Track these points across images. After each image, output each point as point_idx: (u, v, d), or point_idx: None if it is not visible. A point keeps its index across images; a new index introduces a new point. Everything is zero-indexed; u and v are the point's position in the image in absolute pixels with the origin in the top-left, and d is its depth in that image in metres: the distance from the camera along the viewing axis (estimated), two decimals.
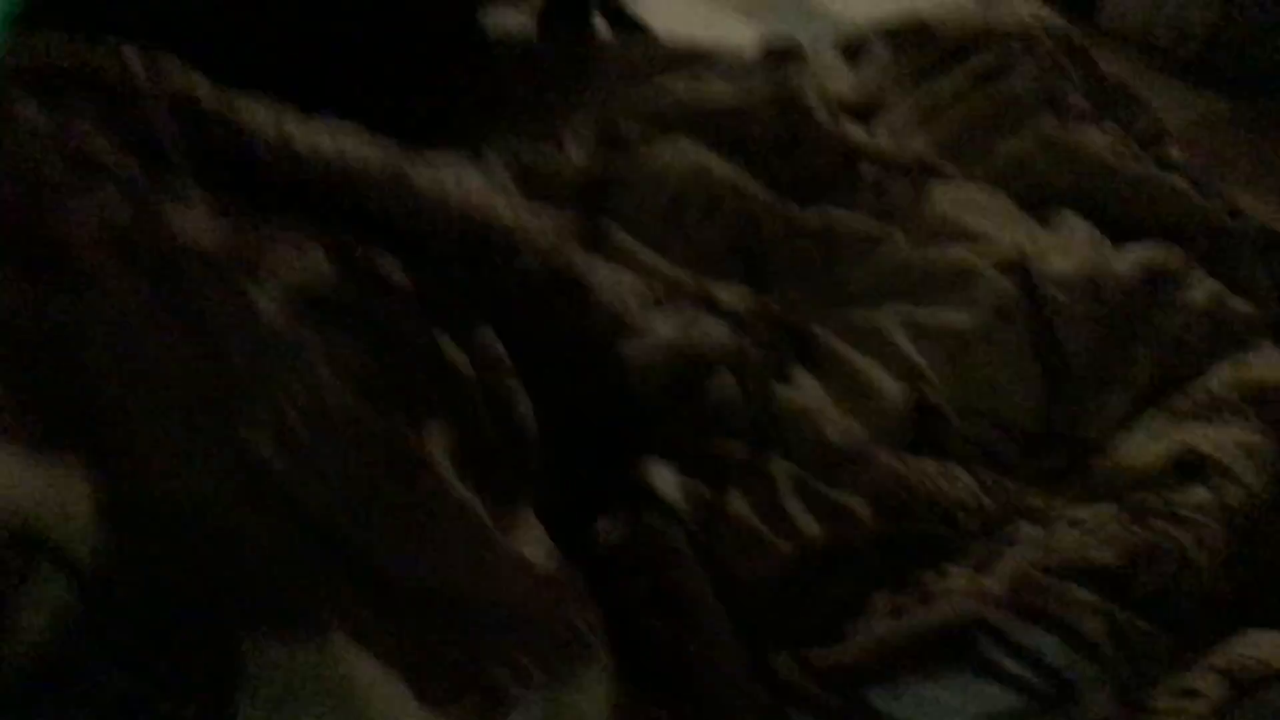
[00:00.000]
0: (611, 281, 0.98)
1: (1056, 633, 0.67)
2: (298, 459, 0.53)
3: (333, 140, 0.98)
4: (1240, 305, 1.16)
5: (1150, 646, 0.73)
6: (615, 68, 1.69)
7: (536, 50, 1.82)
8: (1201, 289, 1.15)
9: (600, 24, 2.07)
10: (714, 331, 0.97)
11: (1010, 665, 0.66)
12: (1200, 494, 0.87)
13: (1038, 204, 1.23)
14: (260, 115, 0.97)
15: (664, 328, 0.96)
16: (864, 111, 1.44)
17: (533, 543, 0.66)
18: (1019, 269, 1.05)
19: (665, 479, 0.84)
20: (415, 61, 1.69)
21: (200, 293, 0.60)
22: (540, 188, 1.22)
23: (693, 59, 1.55)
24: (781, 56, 1.41)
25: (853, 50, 1.58)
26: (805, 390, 0.96)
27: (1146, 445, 0.97)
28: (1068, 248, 1.11)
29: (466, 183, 1.03)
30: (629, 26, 2.33)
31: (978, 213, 1.12)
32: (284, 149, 0.94)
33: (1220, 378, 1.05)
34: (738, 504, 0.81)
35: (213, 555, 0.48)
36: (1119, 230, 1.21)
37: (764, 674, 0.67)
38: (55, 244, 0.58)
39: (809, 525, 0.80)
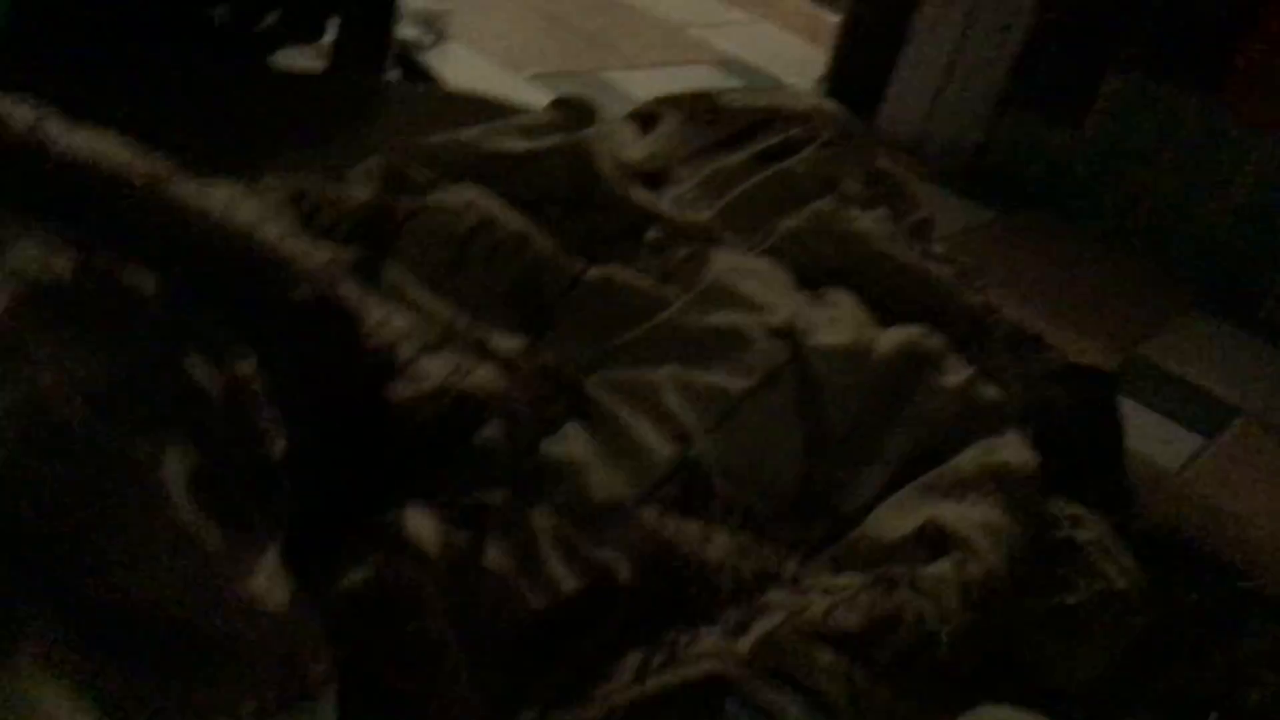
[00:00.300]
0: (384, 320, 0.95)
1: (798, 695, 0.67)
2: (4, 465, 0.48)
3: (92, 143, 0.92)
4: (992, 393, 1.22)
5: (888, 712, 0.75)
6: (405, 112, 1.67)
7: (324, 88, 1.79)
8: (957, 374, 1.20)
9: (392, 71, 2.06)
10: (485, 379, 0.95)
11: None
12: (943, 567, 0.90)
13: (810, 281, 1.27)
14: (14, 108, 0.90)
15: (434, 371, 0.93)
16: (652, 179, 1.46)
17: (271, 581, 0.62)
18: (790, 337, 1.07)
19: (422, 525, 0.81)
20: (194, 88, 1.64)
21: None
22: (320, 221, 1.18)
23: (485, 111, 1.54)
24: (574, 115, 1.43)
25: (644, 120, 1.61)
26: (573, 444, 0.95)
27: (896, 519, 1.00)
28: (836, 323, 1.15)
29: (236, 205, 0.98)
30: (421, 77, 2.32)
31: (754, 281, 1.14)
32: (35, 143, 0.88)
33: (969, 459, 1.09)
34: (494, 554, 0.79)
35: None
36: (884, 312, 1.25)
37: None
38: None
39: (565, 580, 0.78)
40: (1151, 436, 2.21)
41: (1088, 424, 1.32)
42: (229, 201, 0.99)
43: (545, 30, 3.37)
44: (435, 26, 3.08)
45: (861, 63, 3.27)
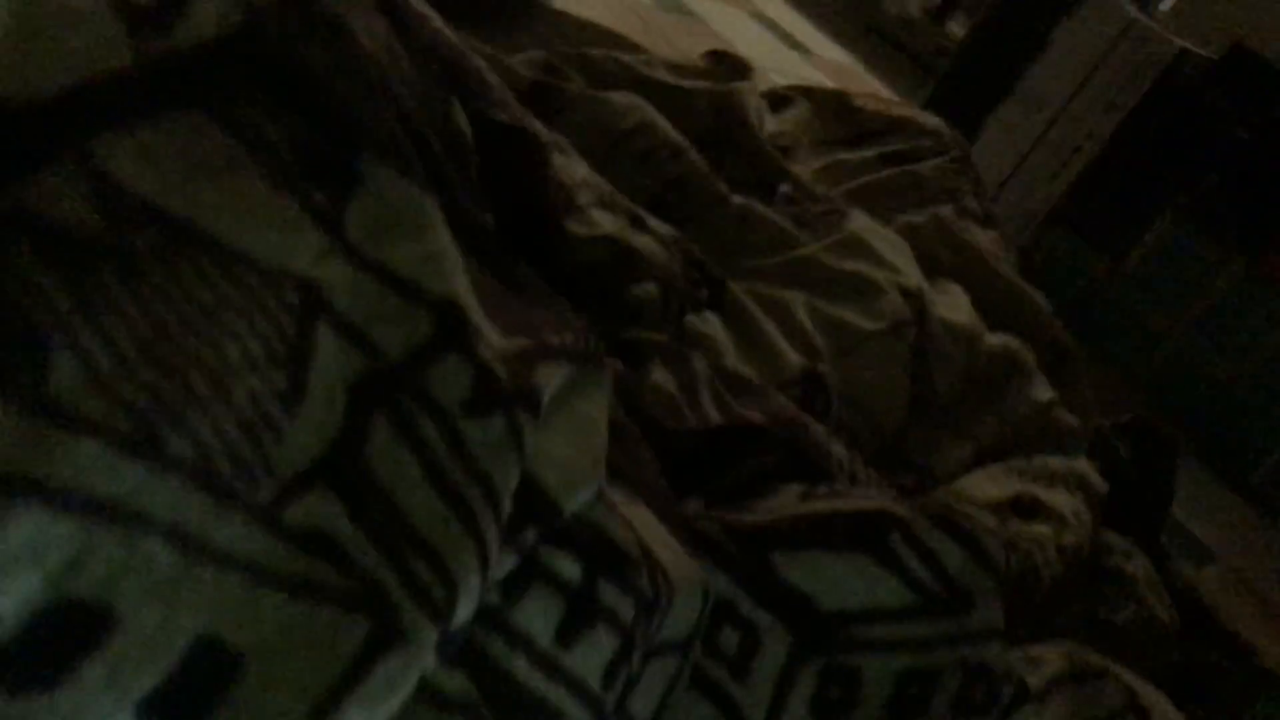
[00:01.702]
0: (566, 164, 0.98)
1: (961, 543, 0.69)
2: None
3: None
4: (1068, 418, 1.26)
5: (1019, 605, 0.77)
6: (558, 30, 1.71)
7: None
8: (1043, 392, 1.25)
9: None
10: (646, 243, 0.98)
11: (912, 562, 0.67)
12: (1042, 528, 0.94)
13: (924, 273, 1.31)
14: None
15: (606, 223, 0.96)
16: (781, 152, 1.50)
17: None
18: (917, 299, 1.11)
19: None
20: None
21: None
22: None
23: (637, 47, 1.58)
24: (727, 68, 1.47)
25: (775, 101, 1.65)
26: (713, 327, 0.98)
27: (988, 486, 1.04)
28: (953, 307, 1.19)
29: (452, 36, 1.01)
30: None
31: (888, 245, 1.18)
32: None
33: (1055, 461, 1.13)
34: (659, 376, 0.81)
35: (343, 82, 0.45)
36: (984, 319, 1.29)
37: (682, 518, 0.67)
38: None
39: (713, 413, 0.80)
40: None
41: (1144, 477, 1.36)
42: (443, 24, 1.02)
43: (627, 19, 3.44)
44: None
45: None
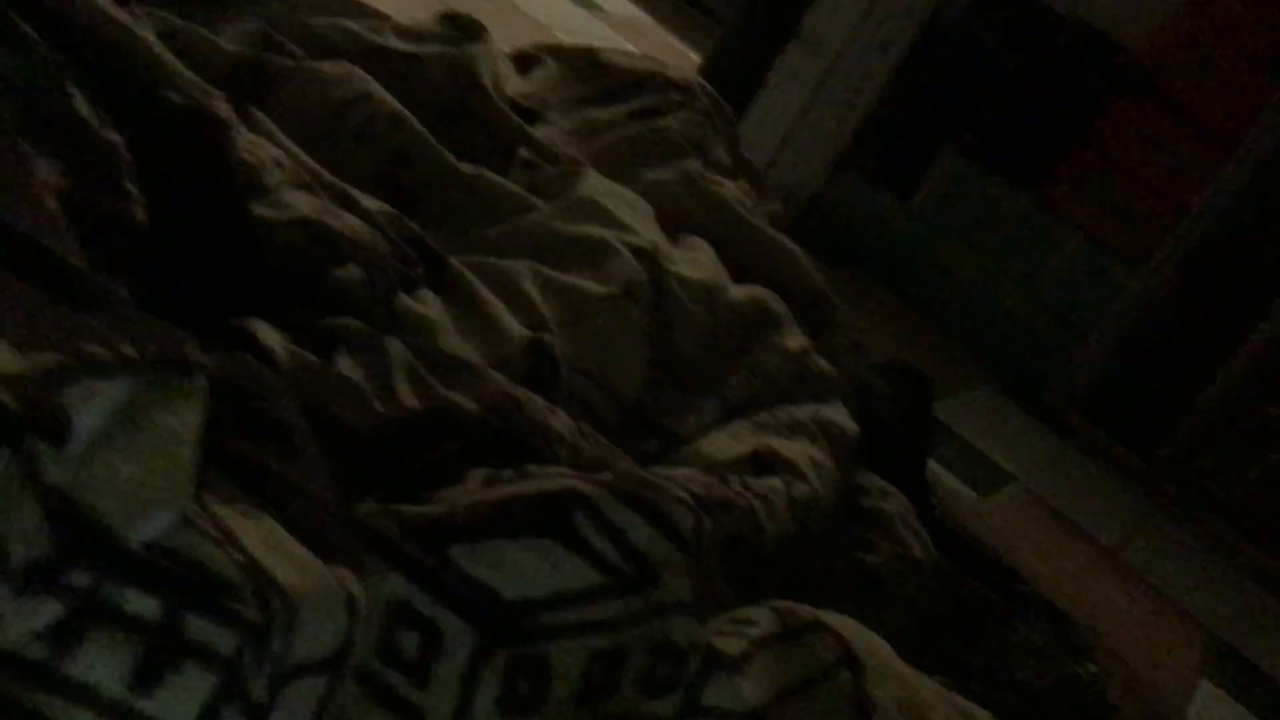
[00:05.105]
0: (255, 144, 0.92)
1: (647, 517, 0.67)
2: None
3: None
4: (823, 365, 1.26)
5: (713, 578, 0.75)
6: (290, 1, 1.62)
7: None
8: (795, 340, 1.24)
9: None
10: (349, 224, 0.93)
11: (599, 542, 0.65)
12: (773, 481, 0.93)
13: (671, 230, 1.29)
14: None
15: (301, 204, 0.91)
16: (525, 116, 1.46)
17: (135, 312, 0.59)
18: (651, 259, 1.09)
19: (270, 336, 0.78)
20: None
21: None
22: (189, 63, 1.13)
23: (372, 13, 1.52)
24: (462, 30, 1.41)
25: (523, 61, 1.61)
26: (429, 307, 0.94)
27: (730, 444, 1.02)
28: (694, 263, 1.17)
29: (114, 11, 0.94)
30: None
31: (623, 205, 1.16)
32: None
33: (800, 410, 1.12)
34: (346, 365, 0.76)
35: None
36: (735, 272, 1.28)
37: (349, 518, 0.63)
38: None
39: (410, 399, 0.76)
40: (933, 484, 2.32)
41: (902, 416, 1.38)
42: (111, 5, 0.94)
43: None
44: None
45: None
